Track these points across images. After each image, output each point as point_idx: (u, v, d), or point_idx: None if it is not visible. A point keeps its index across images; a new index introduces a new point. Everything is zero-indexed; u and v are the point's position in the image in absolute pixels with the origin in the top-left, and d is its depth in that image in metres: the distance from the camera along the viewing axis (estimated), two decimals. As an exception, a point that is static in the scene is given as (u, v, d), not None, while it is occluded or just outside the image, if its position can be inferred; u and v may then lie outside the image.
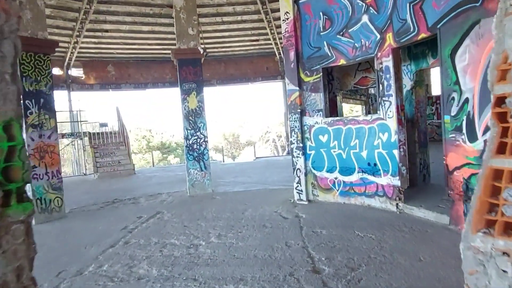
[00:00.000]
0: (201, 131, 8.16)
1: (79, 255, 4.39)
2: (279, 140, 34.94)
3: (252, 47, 17.68)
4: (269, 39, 16.26)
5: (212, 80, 19.31)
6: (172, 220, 5.81)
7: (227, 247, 4.29)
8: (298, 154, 6.50)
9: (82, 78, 17.71)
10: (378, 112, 5.55)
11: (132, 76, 18.56)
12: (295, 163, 6.57)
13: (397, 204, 5.31)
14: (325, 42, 6.12)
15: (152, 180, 11.25)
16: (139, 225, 5.66)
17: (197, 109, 8.13)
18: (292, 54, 6.48)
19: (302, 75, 6.49)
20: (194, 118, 8.12)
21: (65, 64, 16.62)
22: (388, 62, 5.28)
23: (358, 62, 6.03)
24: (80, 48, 15.49)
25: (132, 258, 4.13)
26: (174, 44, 8.51)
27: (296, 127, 6.52)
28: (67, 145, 17.09)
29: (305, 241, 4.29)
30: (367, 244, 4.03)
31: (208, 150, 8.21)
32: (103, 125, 14.50)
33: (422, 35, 4.72)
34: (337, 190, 6.18)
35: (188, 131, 8.11)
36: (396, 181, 5.30)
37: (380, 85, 5.44)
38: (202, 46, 8.16)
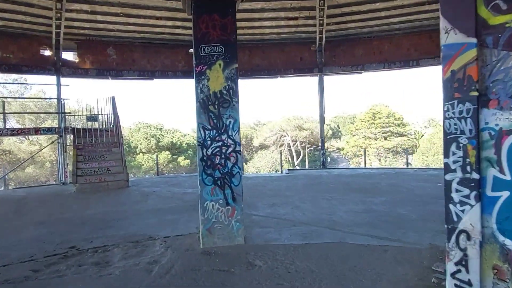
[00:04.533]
0: (230, 134, 4.47)
1: None
2: (294, 145, 32.73)
3: (286, 29, 14.01)
4: (313, 17, 12.52)
5: (233, 72, 15.72)
6: None
7: None
8: (467, 196, 2.75)
9: (76, 62, 14.39)
10: None
11: (137, 62, 15.17)
12: (454, 217, 2.82)
13: None
14: None
15: (147, 202, 7.61)
16: None
17: (224, 92, 4.46)
18: (459, -39, 2.76)
19: (484, 13, 2.74)
20: (217, 109, 4.45)
21: (53, 42, 13.27)
22: None
23: None
24: (70, 20, 12.11)
25: None
26: (191, 21, 4.76)
27: (463, 132, 2.77)
28: (53, 142, 13.80)
29: None
30: None
31: (241, 168, 4.51)
32: (91, 118, 10.96)
33: None
34: None
35: (206, 132, 4.44)
36: None
37: None
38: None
